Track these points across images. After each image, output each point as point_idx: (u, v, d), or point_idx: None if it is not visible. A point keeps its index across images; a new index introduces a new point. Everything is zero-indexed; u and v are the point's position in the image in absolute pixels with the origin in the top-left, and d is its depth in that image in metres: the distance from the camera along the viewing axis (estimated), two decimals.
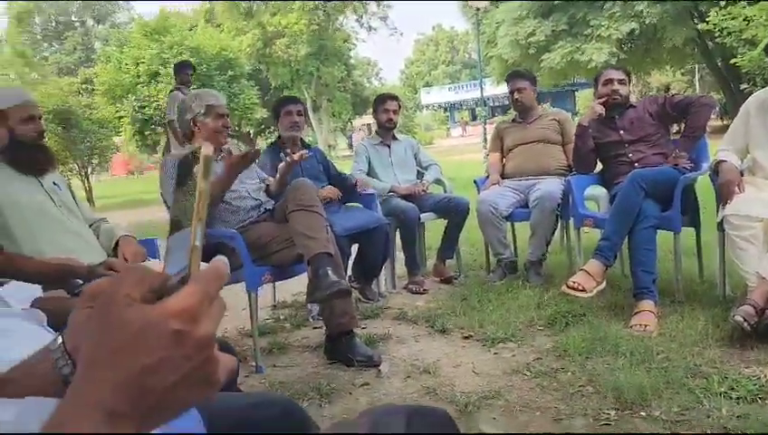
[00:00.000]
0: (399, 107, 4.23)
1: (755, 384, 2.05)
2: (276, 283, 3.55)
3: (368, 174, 4.08)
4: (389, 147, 4.18)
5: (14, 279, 1.62)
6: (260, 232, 2.83)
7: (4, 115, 2.18)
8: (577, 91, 43.56)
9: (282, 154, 3.48)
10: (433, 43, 64.29)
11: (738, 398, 1.99)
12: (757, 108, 2.88)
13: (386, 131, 4.19)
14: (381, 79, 56.70)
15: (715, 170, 2.91)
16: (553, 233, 3.67)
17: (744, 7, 10.04)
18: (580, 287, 2.81)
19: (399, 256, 3.99)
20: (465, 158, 16.79)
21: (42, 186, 2.28)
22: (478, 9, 16.48)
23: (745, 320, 2.36)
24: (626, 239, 2.98)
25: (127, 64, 17.68)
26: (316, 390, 2.35)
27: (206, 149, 0.48)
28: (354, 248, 3.48)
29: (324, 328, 2.76)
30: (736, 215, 2.65)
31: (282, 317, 3.46)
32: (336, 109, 32.33)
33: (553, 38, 20.43)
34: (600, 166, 3.61)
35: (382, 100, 4.20)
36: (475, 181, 4.18)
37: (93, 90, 19.56)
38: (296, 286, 3.71)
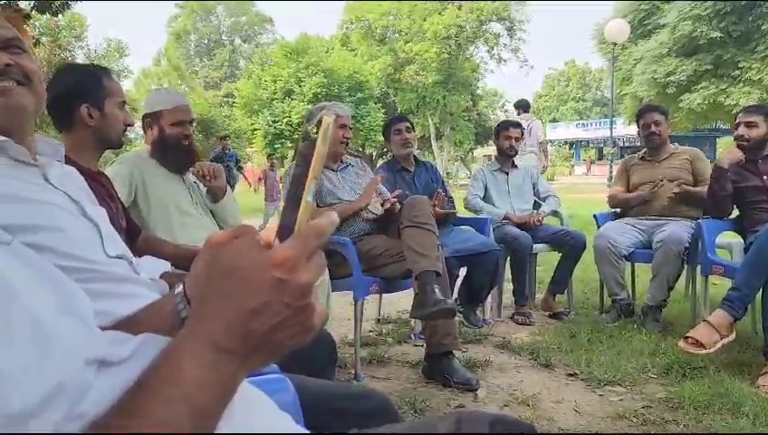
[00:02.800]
0: (522, 135, 4.18)
1: None
2: (383, 297, 3.64)
3: (483, 199, 4.06)
4: (508, 174, 4.14)
5: None
6: (372, 244, 2.90)
7: (158, 115, 2.40)
8: (718, 137, 40.84)
9: (397, 172, 3.57)
10: (564, 78, 62.95)
11: None
12: None
13: (506, 158, 4.15)
14: (507, 111, 56.21)
15: None
16: (677, 278, 3.44)
17: None
18: (699, 343, 2.60)
19: (508, 286, 3.92)
20: (588, 196, 16.19)
21: (184, 183, 2.47)
22: (615, 44, 15.95)
23: None
24: (760, 293, 2.75)
25: (266, 81, 18.83)
26: (410, 405, 2.35)
27: (328, 118, 0.52)
28: (462, 271, 3.45)
29: (425, 346, 2.76)
30: None
31: (384, 331, 3.50)
32: (458, 138, 32.42)
33: (696, 78, 19.32)
34: (735, 212, 3.36)
35: (505, 126, 4.18)
36: (594, 216, 4.02)
37: (234, 103, 20.97)
38: (402, 303, 3.75)
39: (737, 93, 18.01)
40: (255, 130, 17.53)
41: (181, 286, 0.65)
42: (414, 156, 3.76)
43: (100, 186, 1.84)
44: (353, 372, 2.72)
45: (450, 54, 29.91)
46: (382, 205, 2.94)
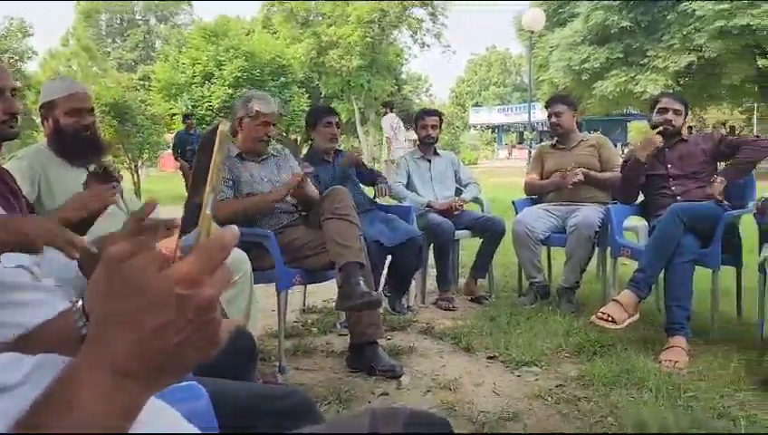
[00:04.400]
0: (441, 123, 4.25)
1: None
2: (308, 288, 3.64)
3: (407, 187, 4.11)
4: (430, 162, 4.20)
5: None
6: (294, 235, 2.88)
7: (52, 105, 2.28)
8: (629, 121, 42.84)
9: (319, 163, 3.54)
10: (486, 63, 64.18)
11: None
12: None
13: (427, 146, 4.22)
14: (431, 96, 56.85)
15: (761, 210, 2.83)
16: (589, 261, 3.62)
17: None
18: (611, 319, 2.76)
19: (432, 271, 4.00)
20: (509, 180, 16.64)
21: None
22: (532, 32, 16.40)
23: None
24: (662, 273, 2.93)
25: (183, 64, 18.15)
26: (335, 395, 2.37)
27: (223, 126, 0.52)
28: (387, 260, 3.49)
29: (349, 336, 2.78)
30: None
31: (309, 322, 3.50)
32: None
33: (608, 66, 20.17)
34: (641, 197, 3.56)
35: (423, 115, 4.25)
36: (513, 202, 4.16)
37: (150, 87, 20.15)
38: (327, 292, 3.75)
39: (645, 81, 18.95)
40: (174, 115, 16.93)
41: (80, 302, 0.63)
42: (335, 150, 3.75)
43: (1, 183, 1.73)
44: (278, 364, 2.71)
45: (374, 39, 29.87)
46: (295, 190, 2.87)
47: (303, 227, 2.93)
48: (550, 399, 2.36)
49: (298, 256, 2.85)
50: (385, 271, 3.51)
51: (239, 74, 17.39)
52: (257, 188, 2.88)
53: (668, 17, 18.56)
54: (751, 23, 15.95)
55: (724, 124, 28.93)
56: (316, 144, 3.67)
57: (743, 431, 2.00)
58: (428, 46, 34.11)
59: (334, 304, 2.91)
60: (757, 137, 3.37)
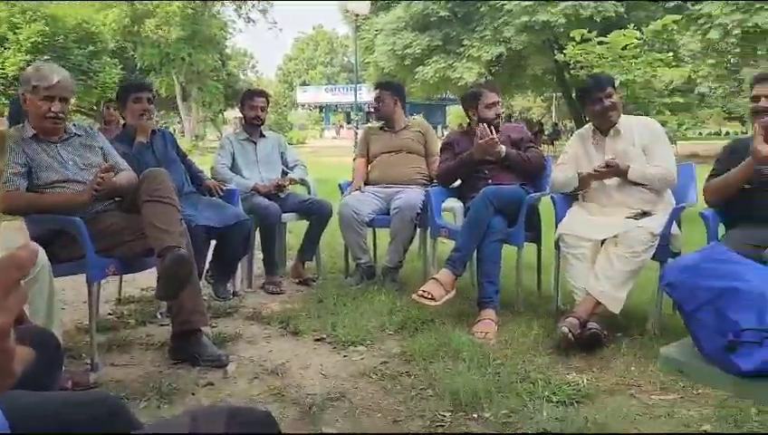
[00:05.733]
0: (268, 103, 4.18)
1: (574, 389, 2.26)
2: (124, 277, 3.40)
3: (231, 169, 3.98)
4: (255, 143, 4.11)
5: None
6: (108, 221, 2.68)
7: None
8: (447, 106, 45.44)
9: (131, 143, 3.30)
10: (313, 42, 64.12)
11: (558, 401, 2.18)
12: (579, 145, 3.22)
13: (253, 128, 4.12)
14: (258, 72, 55.56)
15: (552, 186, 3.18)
16: (411, 241, 3.79)
17: (596, 45, 10.98)
18: (430, 296, 2.93)
19: (258, 255, 3.94)
20: (337, 160, 16.88)
21: None
22: (357, 15, 16.68)
23: (570, 331, 2.59)
24: (476, 251, 3.17)
25: None
26: (156, 390, 2.26)
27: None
28: (212, 244, 3.37)
29: (171, 325, 2.65)
30: (570, 234, 2.91)
31: (126, 313, 3.28)
32: (207, 98, 31.17)
33: (428, 52, 21.20)
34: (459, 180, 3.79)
35: (250, 95, 4.14)
36: (339, 185, 4.22)
37: None
38: (145, 280, 3.54)
39: (462, 68, 20.23)
40: None
41: None
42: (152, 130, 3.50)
43: None
44: (89, 361, 2.51)
45: (195, 10, 28.39)
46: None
47: (119, 212, 2.73)
48: (374, 376, 2.45)
49: (113, 244, 2.65)
50: (209, 256, 3.39)
51: (38, 39, 15.59)
52: (63, 173, 2.60)
53: (482, 9, 19.94)
54: (550, 19, 17.65)
55: (532, 122, 31.66)
56: (128, 122, 3.41)
57: (540, 391, 2.24)
58: (254, 22, 33.22)
59: (154, 292, 2.75)
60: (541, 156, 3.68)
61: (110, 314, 3.28)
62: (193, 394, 2.29)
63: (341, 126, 43.34)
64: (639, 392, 2.27)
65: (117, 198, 2.78)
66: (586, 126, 3.29)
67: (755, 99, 2.69)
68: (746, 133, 3.31)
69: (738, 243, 2.29)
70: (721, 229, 2.82)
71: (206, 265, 3.40)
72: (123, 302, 3.50)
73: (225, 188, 3.66)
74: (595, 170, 3.01)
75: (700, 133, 40.98)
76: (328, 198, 4.15)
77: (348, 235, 3.79)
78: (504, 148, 3.43)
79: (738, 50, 18.37)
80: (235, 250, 3.40)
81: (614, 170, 2.98)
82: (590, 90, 3.10)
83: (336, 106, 47.52)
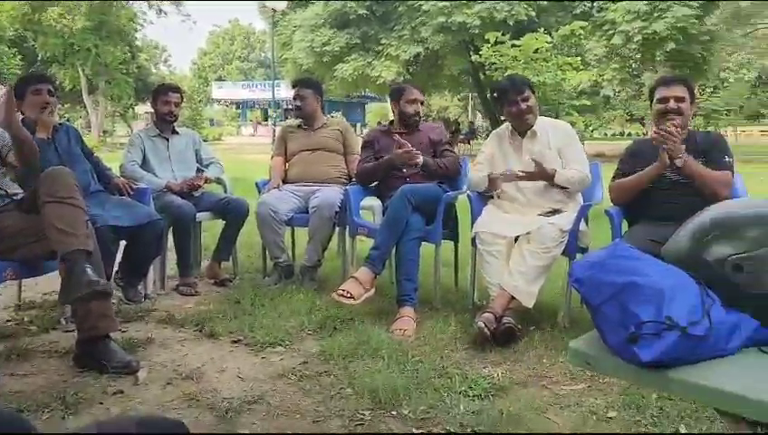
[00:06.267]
0: (182, 99, 4.04)
1: (489, 383, 2.32)
2: (24, 281, 3.21)
3: (143, 167, 3.82)
4: (168, 140, 3.96)
5: None
6: (6, 222, 2.52)
7: None
8: (367, 103, 45.65)
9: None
10: (229, 37, 62.67)
11: (474, 396, 2.23)
12: (496, 144, 3.31)
13: (165, 124, 3.97)
14: (171, 66, 53.66)
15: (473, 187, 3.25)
16: (330, 240, 3.77)
17: (509, 48, 11.34)
18: (349, 295, 2.93)
19: (171, 255, 3.80)
20: (255, 158, 16.60)
21: None
22: (275, 11, 16.44)
23: (486, 326, 2.66)
24: (394, 249, 3.20)
25: None
26: (60, 400, 2.13)
27: None
28: (122, 245, 3.22)
29: (77, 332, 2.51)
30: (486, 232, 2.99)
31: (27, 319, 3.08)
32: (115, 92, 29.76)
33: (347, 50, 21.19)
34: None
35: (163, 90, 3.98)
36: (256, 183, 4.14)
37: None
38: (48, 285, 3.35)
39: (380, 67, 20.35)
40: None
41: None
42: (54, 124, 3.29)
43: None
44: None
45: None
46: None
47: (18, 213, 2.57)
48: (293, 377, 2.42)
49: (11, 246, 2.50)
50: (118, 258, 3.24)
51: None
52: None
53: (399, 9, 20.14)
54: (466, 21, 18.07)
55: (449, 121, 32.31)
56: (27, 116, 3.19)
57: (457, 386, 2.28)
58: (166, 13, 31.98)
59: (57, 297, 2.60)
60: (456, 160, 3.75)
61: (8, 320, 3.08)
62: (101, 403, 2.17)
63: (259, 123, 42.60)
64: (550, 383, 2.36)
65: (15, 197, 2.61)
66: (503, 126, 3.37)
67: (662, 100, 2.83)
68: (646, 135, 3.51)
69: (639, 239, 2.43)
70: (624, 226, 2.98)
71: (116, 267, 3.24)
72: (23, 307, 3.28)
73: (135, 186, 3.51)
74: (521, 172, 3.09)
75: (605, 134, 43.26)
76: (245, 197, 4.06)
77: (265, 234, 3.73)
78: (422, 159, 3.45)
79: (639, 55, 19.53)
80: (147, 251, 3.26)
81: (540, 174, 3.07)
82: (507, 91, 3.18)
83: (253, 103, 46.66)
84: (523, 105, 3.12)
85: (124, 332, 2.88)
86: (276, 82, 22.92)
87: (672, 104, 2.77)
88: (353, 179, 3.92)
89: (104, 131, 29.98)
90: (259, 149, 20.66)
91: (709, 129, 16.57)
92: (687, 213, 1.54)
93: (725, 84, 35.54)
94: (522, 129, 3.21)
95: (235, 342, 2.82)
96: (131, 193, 3.45)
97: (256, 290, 3.54)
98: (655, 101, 2.86)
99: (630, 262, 1.30)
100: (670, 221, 1.91)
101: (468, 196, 3.34)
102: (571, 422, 2.05)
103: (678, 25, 16.70)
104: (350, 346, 2.66)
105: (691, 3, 16.85)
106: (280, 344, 2.77)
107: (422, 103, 3.74)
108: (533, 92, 3.20)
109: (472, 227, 3.16)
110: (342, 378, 2.40)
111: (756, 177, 7.14)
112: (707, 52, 19.11)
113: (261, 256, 4.06)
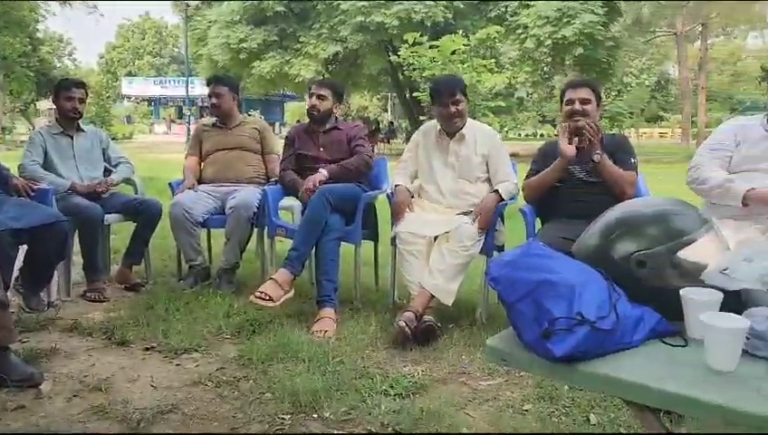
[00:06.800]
0: (87, 94, 3.83)
1: (410, 381, 2.34)
2: None
3: (45, 167, 3.59)
4: (72, 138, 3.75)
5: None
6: None
7: None
8: (286, 102, 45.09)
9: None
10: (139, 30, 60.16)
11: (396, 394, 2.24)
12: (423, 139, 3.33)
13: (68, 121, 3.75)
14: (76, 60, 50.84)
15: (392, 191, 3.26)
16: (248, 241, 3.69)
17: (428, 49, 11.55)
18: (268, 297, 2.88)
19: (77, 260, 3.60)
20: (169, 157, 16.03)
21: None
22: (188, 5, 15.94)
23: (407, 325, 2.68)
24: (314, 250, 3.16)
25: None
26: None
27: None
28: (22, 250, 3.01)
29: None
30: (406, 232, 3.01)
31: None
32: (15, 87, 27.94)
33: (265, 48, 20.83)
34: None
35: (66, 85, 3.75)
36: (170, 184, 3.99)
37: None
38: None
39: (299, 65, 20.13)
40: None
41: None
42: None
43: None
44: None
45: None
46: None
47: None
48: (210, 383, 2.35)
49: None
50: (18, 263, 3.03)
51: None
52: None
53: (318, 7, 20.01)
54: (384, 21, 18.19)
55: (368, 120, 32.42)
56: None
57: (378, 386, 2.29)
58: (70, 5, 30.28)
59: None
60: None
61: None
62: (0, 420, 2.03)
63: (173, 121, 41.20)
64: (469, 379, 2.41)
65: None
66: (432, 122, 3.38)
67: (569, 102, 2.94)
68: (558, 136, 3.62)
69: (552, 237, 2.52)
70: (538, 224, 3.08)
71: (16, 273, 3.03)
72: None
73: (35, 187, 3.29)
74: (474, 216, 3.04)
75: (519, 134, 44.84)
76: (158, 198, 3.91)
77: (180, 236, 3.60)
78: (324, 173, 3.41)
79: (550, 59, 20.34)
80: (50, 255, 3.06)
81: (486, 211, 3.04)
82: (441, 92, 3.18)
83: (167, 100, 45.03)
84: (453, 108, 3.15)
85: (25, 342, 2.71)
86: (191, 78, 22.21)
87: (577, 106, 2.90)
88: (271, 179, 3.85)
89: (3, 128, 28.05)
90: (173, 148, 19.97)
91: (614, 130, 17.52)
92: (596, 211, 1.60)
93: (628, 88, 37.68)
94: (450, 130, 3.24)
95: (148, 349, 2.70)
96: (32, 194, 3.24)
97: (171, 294, 3.41)
98: (563, 103, 2.99)
99: (543, 260, 1.34)
100: (580, 219, 1.99)
101: (387, 195, 3.33)
102: (489, 416, 2.10)
103: (586, 31, 17.51)
104: (269, 349, 2.61)
105: (597, 10, 17.70)
106: (196, 350, 2.68)
107: (321, 98, 3.58)
108: (466, 96, 3.23)
109: (392, 226, 3.16)
110: (261, 382, 2.35)
111: (656, 176, 7.59)
112: (612, 57, 20.17)
113: (175, 258, 3.92)
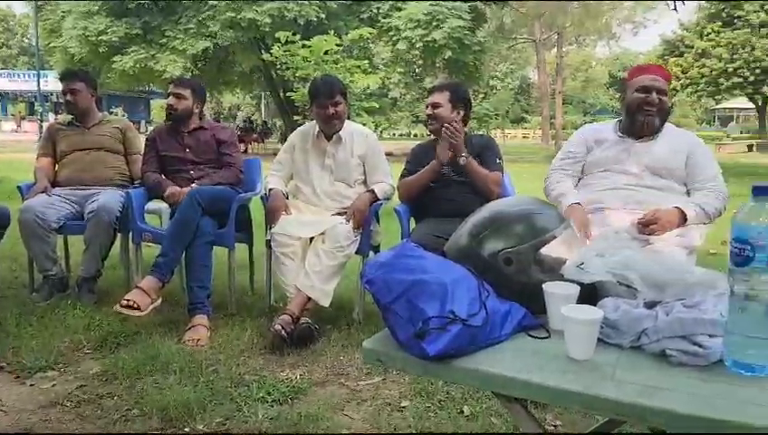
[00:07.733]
0: None
1: (288, 386, 2.30)
2: None
3: None
4: None
5: None
6: None
7: None
8: (152, 99, 42.94)
9: None
10: None
11: (273, 401, 2.20)
12: (300, 140, 3.29)
13: None
14: None
15: (266, 194, 3.19)
16: (110, 248, 3.45)
17: (300, 48, 11.43)
18: (135, 305, 2.71)
19: None
20: (18, 157, 14.65)
21: None
22: None
23: (283, 328, 2.64)
24: (184, 255, 3.02)
25: None
26: None
27: None
28: None
29: None
30: (281, 233, 2.95)
31: None
32: None
33: (127, 41, 19.63)
34: None
35: None
36: (19, 187, 3.64)
37: None
38: None
39: (165, 60, 19.14)
40: None
41: None
42: None
43: None
44: None
45: None
46: None
47: None
48: (69, 403, 2.18)
49: None
50: None
51: None
52: None
53: (185, 2, 19.16)
54: (256, 18, 17.81)
55: (251, 121, 31.59)
56: None
57: (254, 393, 2.22)
58: None
59: None
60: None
61: None
62: None
63: (23, 118, 37.77)
64: (348, 380, 2.41)
65: None
66: (311, 123, 3.33)
67: (426, 106, 3.09)
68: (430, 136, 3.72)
69: (425, 235, 2.58)
70: (412, 222, 3.15)
71: None
72: None
73: None
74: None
75: (394, 134, 45.82)
76: (5, 203, 3.55)
77: (32, 243, 3.29)
78: (193, 186, 3.27)
79: (421, 61, 20.97)
80: None
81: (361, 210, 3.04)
82: (320, 93, 3.13)
83: (15, 94, 41.24)
84: (332, 110, 3.12)
85: None
86: (43, 72, 20.47)
87: (429, 110, 3.04)
88: (136, 181, 3.63)
89: None
90: (23, 147, 18.29)
91: (481, 131, 18.42)
92: (468, 210, 1.66)
93: (494, 91, 39.76)
94: (329, 132, 3.21)
95: None
96: None
97: (22, 308, 3.12)
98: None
99: (417, 260, 1.36)
100: (452, 217, 2.06)
101: (261, 198, 3.26)
102: (368, 416, 2.12)
103: (454, 35, 18.22)
104: (136, 363, 2.46)
105: (464, 15, 18.48)
106: (52, 368, 2.47)
107: (180, 97, 3.43)
108: (345, 98, 3.21)
109: (266, 229, 3.09)
110: (128, 398, 2.21)
111: (521, 175, 8.05)
112: (479, 61, 21.12)
113: (27, 268, 3.58)
